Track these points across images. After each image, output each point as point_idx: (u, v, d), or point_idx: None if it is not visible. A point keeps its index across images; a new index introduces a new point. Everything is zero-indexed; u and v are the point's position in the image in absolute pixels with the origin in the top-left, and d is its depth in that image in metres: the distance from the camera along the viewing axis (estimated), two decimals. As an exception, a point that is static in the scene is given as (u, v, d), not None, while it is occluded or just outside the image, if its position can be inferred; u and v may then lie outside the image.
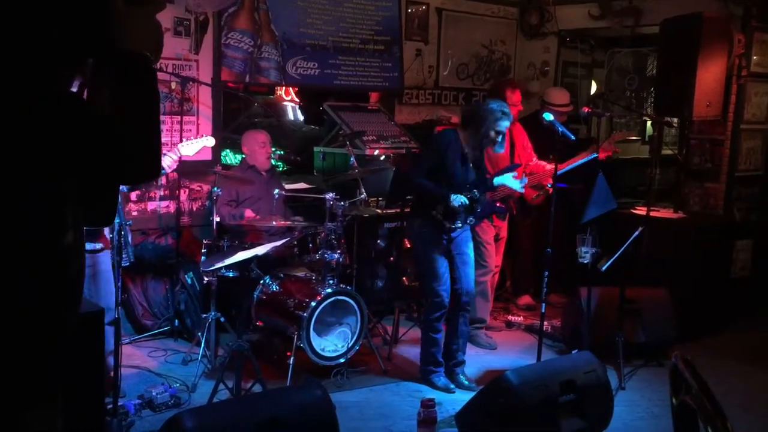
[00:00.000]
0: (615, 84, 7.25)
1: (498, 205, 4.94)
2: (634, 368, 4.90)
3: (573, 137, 4.22)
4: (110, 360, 3.81)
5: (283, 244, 4.13)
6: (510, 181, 4.60)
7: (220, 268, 4.20)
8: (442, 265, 4.41)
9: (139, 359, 4.77)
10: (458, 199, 4.24)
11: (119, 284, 3.51)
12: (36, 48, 1.59)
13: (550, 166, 5.09)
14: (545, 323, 5.63)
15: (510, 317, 6.00)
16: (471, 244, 4.62)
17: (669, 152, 6.75)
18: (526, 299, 6.35)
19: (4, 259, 1.51)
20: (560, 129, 4.17)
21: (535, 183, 5.25)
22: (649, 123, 7.46)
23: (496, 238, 5.35)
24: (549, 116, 4.24)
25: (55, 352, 1.59)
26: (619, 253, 4.62)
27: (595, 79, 7.90)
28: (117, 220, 3.42)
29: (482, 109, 4.26)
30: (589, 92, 7.85)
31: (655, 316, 5.12)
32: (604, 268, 4.61)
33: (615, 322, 4.78)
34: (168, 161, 4.14)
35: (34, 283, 1.55)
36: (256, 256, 3.88)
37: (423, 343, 4.60)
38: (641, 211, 5.84)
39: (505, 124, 4.25)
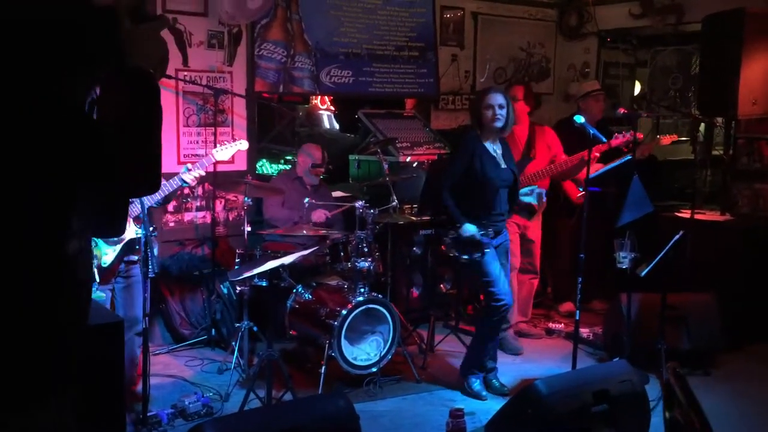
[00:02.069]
0: (659, 84, 7.05)
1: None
2: (678, 377, 4.73)
3: (605, 140, 4.11)
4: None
5: (310, 253, 4.12)
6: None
7: (249, 277, 4.21)
8: (497, 267, 4.32)
9: (175, 368, 4.83)
10: (468, 230, 4.23)
11: (147, 295, 3.55)
12: (46, 59, 1.61)
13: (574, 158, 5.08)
14: (587, 330, 5.57)
15: (550, 324, 5.86)
16: (509, 256, 4.57)
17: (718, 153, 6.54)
18: (567, 306, 6.20)
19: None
20: (591, 131, 4.07)
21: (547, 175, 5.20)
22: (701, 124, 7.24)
23: (524, 239, 5.26)
24: (580, 119, 4.14)
25: (46, 357, 1.60)
26: (658, 258, 4.47)
27: (639, 80, 7.72)
28: (143, 232, 3.46)
29: (474, 100, 4.29)
30: (633, 93, 7.67)
31: (700, 322, 4.94)
32: (643, 274, 4.47)
33: (657, 329, 4.63)
34: (188, 179, 4.10)
35: (28, 287, 1.57)
36: (282, 266, 3.88)
37: (473, 345, 4.52)
38: (686, 214, 5.67)
39: (495, 96, 4.28)
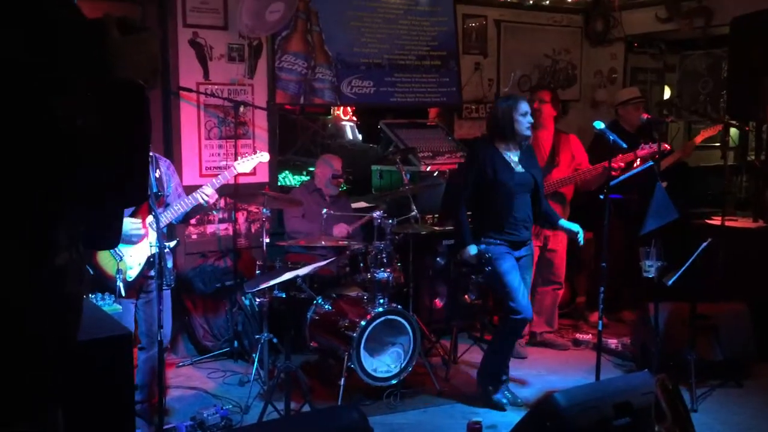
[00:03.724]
0: (688, 88, 6.91)
1: None
2: (709, 389, 4.59)
3: (625, 145, 4.01)
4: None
5: (325, 265, 4.09)
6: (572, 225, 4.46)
7: (269, 289, 4.20)
8: (515, 279, 4.24)
9: (197, 380, 4.84)
10: (468, 252, 4.26)
11: (162, 307, 3.55)
12: (31, 73, 1.61)
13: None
14: (615, 341, 5.46)
15: (577, 335, 5.75)
16: (531, 271, 4.51)
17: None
18: (597, 316, 6.07)
19: None
20: (611, 137, 3.97)
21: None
22: (732, 129, 7.07)
23: (545, 249, 5.18)
24: (599, 124, 4.06)
25: (32, 371, 1.59)
26: (686, 266, 4.35)
27: (668, 85, 7.57)
28: (157, 245, 3.47)
29: (498, 110, 4.30)
30: (662, 98, 7.52)
31: (732, 332, 4.80)
32: (670, 283, 4.36)
33: (687, 340, 4.50)
34: (206, 196, 4.03)
35: (13, 299, 1.56)
36: (300, 277, 3.86)
37: (489, 357, 4.45)
38: (717, 221, 5.52)
39: (523, 105, 4.27)
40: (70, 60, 1.64)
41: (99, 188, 1.66)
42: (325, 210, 4.81)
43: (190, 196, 3.99)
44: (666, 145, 4.90)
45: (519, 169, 4.28)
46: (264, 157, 4.43)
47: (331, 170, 5.29)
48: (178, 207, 3.96)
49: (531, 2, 6.87)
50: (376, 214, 4.55)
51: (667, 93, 7.62)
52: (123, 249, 3.81)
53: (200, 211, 4.34)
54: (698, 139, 5.78)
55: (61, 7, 1.61)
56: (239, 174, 4.37)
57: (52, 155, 1.58)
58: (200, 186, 4.06)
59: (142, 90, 1.73)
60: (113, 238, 1.90)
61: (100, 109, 1.68)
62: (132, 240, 3.80)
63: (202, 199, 3.97)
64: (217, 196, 4.11)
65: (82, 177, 1.61)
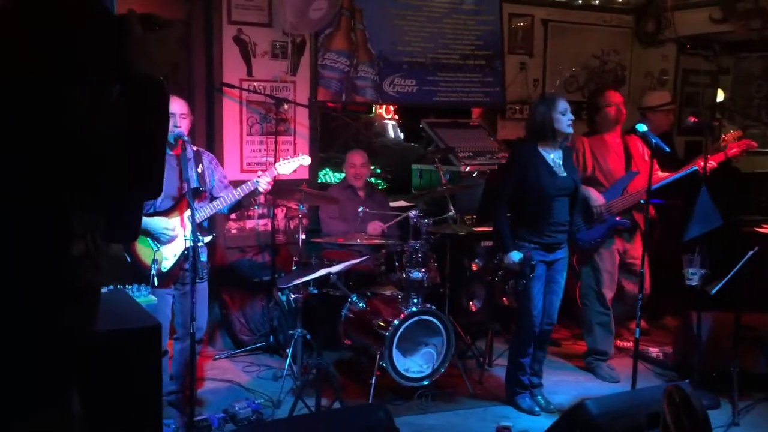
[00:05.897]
0: (741, 92, 6.70)
1: (618, 219, 4.67)
2: (753, 402, 4.44)
3: (668, 149, 3.89)
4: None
5: (359, 262, 4.09)
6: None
7: (304, 285, 4.22)
8: (536, 287, 4.23)
9: (232, 373, 4.89)
10: (511, 258, 4.19)
11: (194, 300, 3.58)
12: (49, 67, 1.64)
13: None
14: (656, 350, 5.34)
15: (619, 342, 5.62)
16: (565, 273, 4.41)
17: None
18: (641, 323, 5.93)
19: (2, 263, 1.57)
20: (654, 140, 3.86)
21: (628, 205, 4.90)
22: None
23: (623, 264, 4.98)
24: (642, 127, 3.95)
25: (47, 359, 1.62)
26: (730, 275, 4.21)
27: (722, 88, 7.35)
28: (191, 238, 3.51)
29: (537, 112, 4.22)
30: (715, 101, 7.31)
31: (779, 344, 4.63)
32: (713, 292, 4.23)
33: (731, 351, 4.36)
34: (263, 183, 4.11)
35: (30, 289, 1.59)
36: (334, 274, 3.87)
37: (510, 365, 4.43)
38: (766, 229, 5.34)
39: (564, 102, 4.17)
40: (91, 55, 1.66)
41: (116, 180, 1.68)
42: (361, 208, 4.80)
43: (248, 183, 4.03)
44: (753, 143, 4.69)
45: (562, 173, 4.18)
46: (305, 160, 4.38)
47: (351, 166, 5.30)
48: (227, 197, 4.01)
49: (580, 2, 6.75)
50: (412, 213, 4.53)
51: (720, 96, 7.39)
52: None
53: (253, 197, 4.38)
54: (731, 137, 5.48)
55: (83, 2, 1.64)
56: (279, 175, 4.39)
57: (69, 147, 1.60)
58: (241, 181, 4.12)
59: (162, 85, 1.75)
60: (131, 231, 1.92)
61: (119, 103, 1.70)
62: (161, 239, 3.85)
63: (261, 187, 4.03)
64: (272, 185, 4.16)
65: (99, 169, 1.64)
